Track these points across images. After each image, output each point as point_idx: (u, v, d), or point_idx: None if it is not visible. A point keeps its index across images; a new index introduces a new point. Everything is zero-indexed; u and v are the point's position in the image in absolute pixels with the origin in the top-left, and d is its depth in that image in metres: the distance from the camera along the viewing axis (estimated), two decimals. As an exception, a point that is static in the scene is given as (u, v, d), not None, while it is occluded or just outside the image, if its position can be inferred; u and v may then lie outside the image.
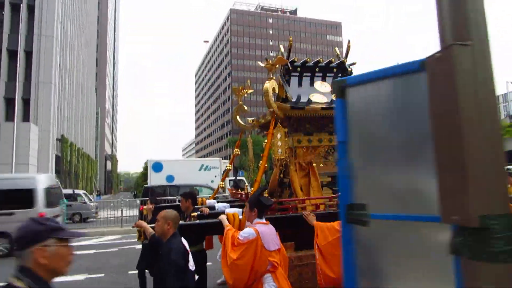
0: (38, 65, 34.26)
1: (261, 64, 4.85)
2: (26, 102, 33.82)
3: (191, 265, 3.07)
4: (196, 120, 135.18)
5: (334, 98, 5.46)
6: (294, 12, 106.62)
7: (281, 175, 5.67)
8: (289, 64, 5.53)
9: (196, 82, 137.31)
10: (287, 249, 4.42)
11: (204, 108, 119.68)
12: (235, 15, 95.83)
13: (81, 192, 24.65)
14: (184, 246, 3.04)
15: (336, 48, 6.21)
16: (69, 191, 23.19)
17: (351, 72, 5.89)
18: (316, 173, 5.11)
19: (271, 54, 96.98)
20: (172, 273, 2.80)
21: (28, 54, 34.07)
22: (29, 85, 33.85)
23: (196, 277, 4.25)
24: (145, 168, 51.37)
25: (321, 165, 5.23)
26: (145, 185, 21.95)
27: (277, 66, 4.77)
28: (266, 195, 4.74)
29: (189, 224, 4.28)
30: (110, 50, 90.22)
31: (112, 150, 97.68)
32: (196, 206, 5.34)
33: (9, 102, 33.42)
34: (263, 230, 3.55)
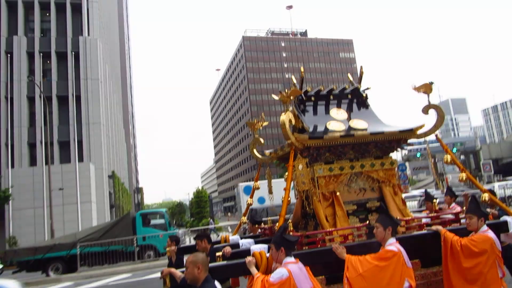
0: (87, 108, 36.28)
1: (276, 97, 4.87)
2: (79, 143, 35.71)
3: None
4: (215, 147, 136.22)
5: (351, 125, 5.40)
6: (304, 33, 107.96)
7: (304, 206, 5.58)
8: (303, 95, 5.54)
9: (211, 110, 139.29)
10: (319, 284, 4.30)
11: (223, 134, 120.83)
12: (248, 41, 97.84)
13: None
14: None
15: (349, 74, 6.20)
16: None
17: (366, 97, 5.83)
18: (341, 202, 5.00)
19: (286, 76, 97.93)
20: None
21: (77, 98, 36.16)
22: (80, 127, 35.80)
23: None
24: (198, 197, 51.62)
25: (344, 193, 5.12)
26: (250, 207, 23.09)
27: (291, 97, 4.78)
28: (291, 229, 4.65)
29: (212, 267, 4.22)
30: (129, 87, 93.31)
31: (137, 183, 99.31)
32: (218, 245, 5.30)
33: (63, 145, 35.31)
34: (295, 270, 3.47)
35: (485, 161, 53.61)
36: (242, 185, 24.47)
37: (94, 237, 16.02)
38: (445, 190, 6.36)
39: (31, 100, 35.47)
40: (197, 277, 2.91)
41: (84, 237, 16.10)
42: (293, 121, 4.83)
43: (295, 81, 5.86)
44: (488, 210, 5.00)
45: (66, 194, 30.43)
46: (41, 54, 36.21)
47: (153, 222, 17.85)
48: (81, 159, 34.92)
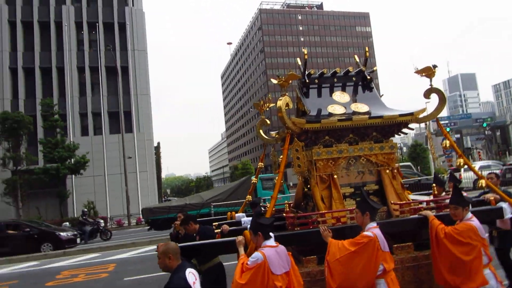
0: (135, 79, 36.43)
1: (274, 81, 4.90)
2: (127, 113, 35.73)
3: None
4: (226, 122, 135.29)
5: (352, 108, 5.41)
6: (320, 6, 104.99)
7: (305, 188, 5.70)
8: (306, 77, 5.54)
9: (223, 84, 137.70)
10: (309, 264, 4.45)
11: (236, 108, 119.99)
12: (265, 14, 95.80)
13: None
14: (185, 281, 2.89)
15: (356, 56, 6.13)
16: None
17: (371, 80, 5.79)
18: (338, 185, 5.08)
19: (303, 50, 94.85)
20: None
21: (125, 69, 36.16)
22: (128, 98, 36.00)
23: None
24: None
25: (342, 176, 5.19)
26: None
27: (289, 81, 4.80)
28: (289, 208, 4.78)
29: (191, 246, 4.27)
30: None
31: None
32: (221, 222, 5.50)
33: (110, 115, 35.79)
34: (270, 254, 3.61)
35: (515, 136, 52.45)
36: None
37: (221, 198, 16.99)
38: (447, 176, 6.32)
39: (80, 70, 36.02)
40: (169, 266, 3.00)
41: (212, 198, 17.11)
42: (290, 106, 4.86)
43: (299, 62, 5.86)
44: (490, 195, 4.98)
45: (129, 164, 30.52)
46: (89, 24, 36.39)
47: (267, 186, 18.87)
48: (129, 129, 35.31)
